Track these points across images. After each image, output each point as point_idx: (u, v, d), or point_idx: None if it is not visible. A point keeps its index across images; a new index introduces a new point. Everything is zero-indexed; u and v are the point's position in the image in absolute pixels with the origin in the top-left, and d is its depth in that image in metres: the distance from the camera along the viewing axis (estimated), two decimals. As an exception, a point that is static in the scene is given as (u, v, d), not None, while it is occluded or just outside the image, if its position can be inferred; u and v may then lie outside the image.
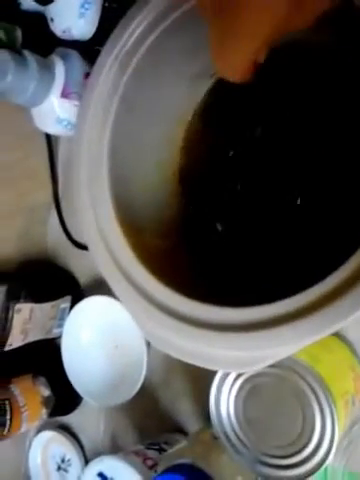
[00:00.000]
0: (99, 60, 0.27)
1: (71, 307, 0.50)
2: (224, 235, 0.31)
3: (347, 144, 0.27)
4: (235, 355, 0.22)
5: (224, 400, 0.33)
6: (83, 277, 0.52)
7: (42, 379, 0.49)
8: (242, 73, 0.22)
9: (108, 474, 0.40)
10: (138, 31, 0.26)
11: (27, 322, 0.46)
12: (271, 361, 0.22)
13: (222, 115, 0.33)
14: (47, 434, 0.53)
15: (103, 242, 0.27)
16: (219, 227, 0.31)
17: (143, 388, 0.45)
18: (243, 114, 0.32)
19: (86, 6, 0.39)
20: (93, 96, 0.27)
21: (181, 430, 0.46)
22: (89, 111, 0.27)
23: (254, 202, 0.30)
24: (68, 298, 0.51)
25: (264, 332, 0.21)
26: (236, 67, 0.22)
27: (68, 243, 0.52)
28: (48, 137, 0.49)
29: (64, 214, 0.52)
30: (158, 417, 0.47)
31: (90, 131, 0.28)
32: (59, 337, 0.51)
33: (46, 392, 0.49)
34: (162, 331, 0.24)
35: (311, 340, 0.21)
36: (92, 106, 0.27)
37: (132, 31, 0.26)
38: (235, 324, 0.22)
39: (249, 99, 0.30)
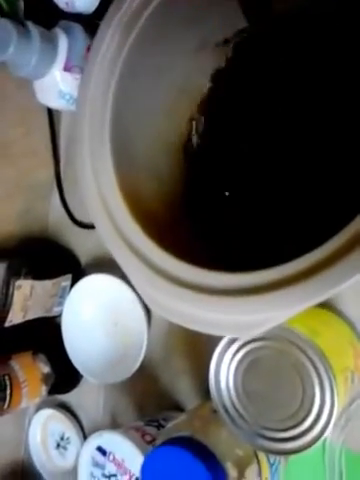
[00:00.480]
0: (103, 24, 0.27)
1: (72, 285, 0.50)
2: (228, 202, 0.31)
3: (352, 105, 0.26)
4: (233, 319, 0.22)
5: (224, 373, 0.33)
6: (84, 256, 0.52)
7: (42, 356, 0.49)
8: None
9: (107, 448, 0.40)
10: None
11: (27, 299, 0.46)
12: (268, 326, 0.22)
13: (235, 88, 0.32)
14: (46, 412, 0.54)
15: (105, 210, 0.27)
16: (224, 193, 0.31)
17: (143, 366, 0.46)
18: (255, 86, 0.31)
19: (89, -22, 0.39)
20: (97, 59, 0.27)
21: (180, 408, 0.46)
22: (93, 74, 0.27)
23: (260, 167, 0.30)
24: (69, 276, 0.51)
25: (261, 296, 0.21)
26: None
27: (69, 222, 0.52)
28: (50, 114, 0.49)
29: (66, 193, 0.52)
30: (157, 395, 0.47)
31: (93, 95, 0.27)
32: (59, 315, 0.51)
33: (46, 369, 0.49)
34: (162, 297, 0.24)
35: (305, 305, 0.21)
36: (96, 69, 0.27)
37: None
38: (233, 288, 0.22)
39: (261, 68, 0.30)
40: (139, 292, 0.26)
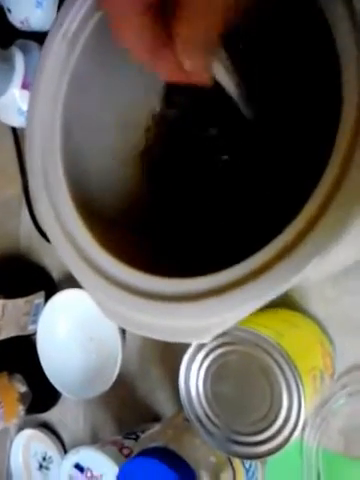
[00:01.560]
0: (47, 40, 0.27)
1: (45, 302, 0.50)
2: (183, 210, 0.31)
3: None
4: (191, 324, 0.22)
5: (193, 381, 0.33)
6: (56, 271, 0.52)
7: (18, 376, 0.49)
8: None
9: (84, 464, 0.39)
10: (84, 8, 0.26)
11: (0, 318, 0.46)
12: (221, 328, 0.22)
13: (188, 96, 0.33)
14: (27, 432, 0.53)
15: (62, 230, 0.27)
16: (179, 202, 0.31)
17: (120, 378, 0.45)
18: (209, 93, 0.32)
19: (42, -5, 0.39)
20: (42, 76, 0.27)
21: (159, 418, 0.46)
22: (39, 92, 0.27)
23: (210, 175, 0.31)
24: (42, 293, 0.50)
25: (214, 298, 0.21)
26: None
27: (40, 238, 0.52)
28: (14, 131, 0.49)
29: (35, 208, 0.52)
30: (136, 407, 0.47)
31: (42, 115, 0.27)
32: (34, 333, 0.50)
33: (23, 389, 0.48)
34: (118, 307, 0.24)
35: (256, 303, 0.21)
36: (42, 87, 0.27)
37: (78, 8, 0.26)
38: (187, 294, 0.22)
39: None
40: (96, 304, 0.26)
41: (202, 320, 0.22)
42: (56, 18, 0.27)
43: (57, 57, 0.27)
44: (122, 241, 0.28)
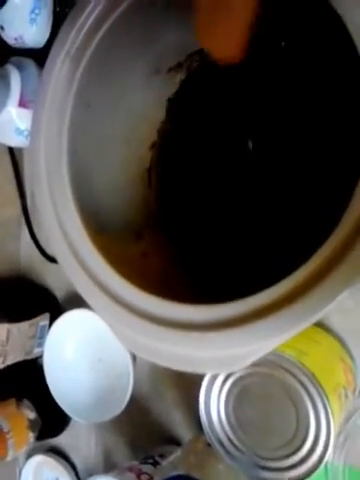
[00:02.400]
0: (50, 58, 0.26)
1: (50, 324, 0.48)
2: (199, 228, 0.30)
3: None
4: (215, 355, 0.21)
5: (214, 405, 0.31)
6: (60, 292, 0.51)
7: (26, 402, 0.47)
8: (236, 46, 0.21)
9: (101, 495, 0.38)
10: (87, 25, 0.25)
11: (4, 344, 0.44)
12: (253, 359, 0.20)
13: (195, 112, 0.32)
14: (37, 458, 0.51)
15: (68, 246, 0.26)
16: (192, 219, 0.30)
17: (132, 400, 0.44)
18: (217, 110, 0.31)
19: (36, 11, 0.38)
20: (47, 95, 0.26)
21: (175, 440, 0.45)
22: (44, 111, 0.26)
23: (229, 199, 0.29)
24: (46, 315, 0.49)
25: (242, 328, 0.20)
26: (230, 40, 0.21)
27: (42, 258, 0.50)
28: (11, 150, 0.48)
29: (35, 228, 0.51)
30: (150, 429, 0.46)
31: (47, 133, 0.26)
32: (41, 356, 0.49)
33: (32, 415, 0.47)
34: (138, 336, 0.23)
35: (291, 333, 0.20)
36: (47, 106, 0.26)
37: (81, 25, 0.25)
38: (212, 322, 0.21)
39: (216, 90, 0.29)
40: (113, 332, 0.25)
41: (230, 350, 0.21)
42: (58, 36, 0.25)
43: (61, 75, 0.25)
44: (136, 264, 0.27)
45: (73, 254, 0.26)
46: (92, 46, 0.26)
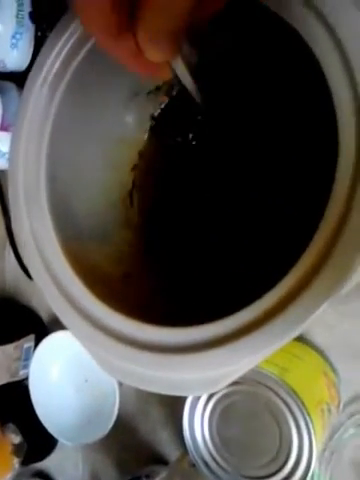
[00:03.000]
0: (27, 84, 0.26)
1: (36, 345, 0.48)
2: (181, 251, 0.30)
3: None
4: (197, 377, 0.21)
5: (198, 425, 0.31)
6: (45, 313, 0.51)
7: (11, 426, 0.46)
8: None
9: None
10: (64, 52, 0.25)
11: (-11, 367, 0.44)
12: (236, 376, 0.21)
13: (174, 134, 0.32)
14: (23, 483, 0.50)
15: (47, 271, 0.26)
16: (176, 242, 0.30)
17: (119, 420, 0.44)
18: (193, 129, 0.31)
19: (17, 36, 0.39)
20: (24, 122, 0.26)
21: (163, 460, 0.44)
22: (22, 138, 0.26)
23: (210, 213, 0.30)
24: (31, 337, 0.48)
25: (222, 349, 0.20)
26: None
27: (27, 279, 0.50)
28: (-6, 172, 0.48)
29: (20, 249, 0.51)
30: (138, 449, 0.45)
31: (25, 159, 0.26)
32: (26, 378, 0.49)
33: (16, 439, 0.46)
34: (117, 361, 0.23)
35: (274, 348, 0.20)
36: (25, 132, 0.26)
37: (58, 52, 0.25)
38: (194, 344, 0.21)
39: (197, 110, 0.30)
40: (93, 358, 0.25)
41: (211, 371, 0.21)
42: (36, 62, 0.26)
43: (39, 102, 0.26)
44: (118, 286, 0.27)
45: (52, 279, 0.26)
46: (69, 73, 0.26)
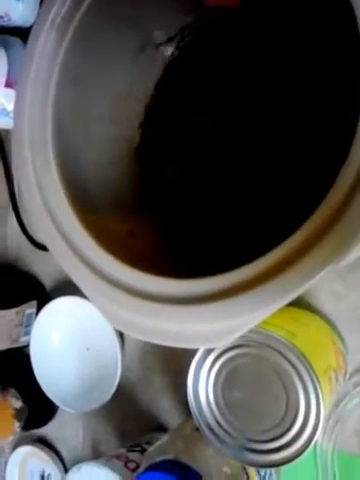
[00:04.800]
0: (34, 28, 0.25)
1: (38, 312, 0.48)
2: (186, 205, 0.29)
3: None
4: (201, 329, 0.21)
5: (202, 388, 0.31)
6: (48, 279, 0.50)
7: (12, 391, 0.46)
8: None
9: (88, 482, 0.37)
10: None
11: (-10, 331, 0.44)
12: (240, 332, 0.20)
13: (183, 90, 0.31)
14: (23, 449, 0.50)
15: (56, 227, 0.25)
16: (181, 197, 0.29)
17: (120, 388, 0.43)
18: (202, 86, 0.30)
19: (23, -12, 0.37)
20: (31, 69, 0.25)
21: (164, 428, 0.44)
22: (28, 86, 0.25)
23: (215, 168, 0.29)
24: (33, 303, 0.48)
25: (228, 301, 0.20)
26: None
27: (29, 245, 0.49)
28: (-2, 134, 0.47)
29: (23, 215, 0.50)
30: (139, 417, 0.45)
31: (31, 109, 0.25)
32: (27, 345, 0.48)
33: (17, 404, 0.46)
34: (121, 311, 0.22)
35: (276, 306, 0.19)
36: (31, 80, 0.25)
37: (65, -4, 0.24)
38: (197, 296, 0.20)
39: (207, 66, 0.29)
40: (97, 308, 0.24)
41: (214, 324, 0.20)
42: (43, 4, 0.25)
43: (46, 45, 0.25)
44: (123, 241, 0.27)
45: (58, 230, 0.25)
46: (78, 16, 0.25)
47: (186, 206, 0.30)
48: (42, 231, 0.25)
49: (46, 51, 0.25)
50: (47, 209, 0.26)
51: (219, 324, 0.20)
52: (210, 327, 0.20)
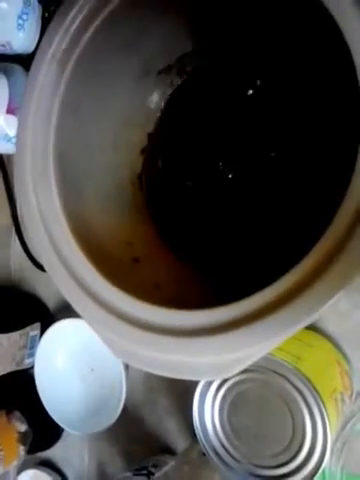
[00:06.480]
0: (36, 60, 0.25)
1: (41, 334, 0.48)
2: (190, 237, 0.29)
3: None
4: (207, 361, 0.21)
5: (208, 413, 0.31)
6: (51, 301, 0.50)
7: (17, 414, 0.46)
8: None
9: (95, 508, 0.37)
10: (73, 27, 0.24)
11: (-6, 355, 0.43)
12: (248, 363, 0.20)
13: (184, 116, 0.31)
14: (29, 473, 0.50)
15: (58, 257, 0.25)
16: (186, 224, 0.29)
17: (125, 410, 0.43)
18: (204, 111, 0.30)
19: (24, 17, 0.38)
20: (33, 99, 0.25)
21: (170, 450, 0.44)
22: (29, 116, 0.25)
23: (221, 199, 0.29)
24: (37, 325, 0.48)
25: (234, 332, 0.20)
26: None
27: (33, 267, 0.49)
28: (0, 158, 0.47)
29: (26, 237, 0.50)
30: (144, 439, 0.45)
31: (33, 138, 0.26)
32: (32, 367, 0.48)
33: (22, 427, 0.45)
34: (126, 343, 0.22)
35: (286, 336, 0.19)
36: (33, 110, 0.25)
37: (67, 27, 0.24)
38: (203, 327, 0.20)
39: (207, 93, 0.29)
40: (101, 339, 0.24)
41: (222, 356, 0.20)
42: (44, 38, 0.25)
43: (47, 78, 0.25)
44: (126, 269, 0.27)
45: (61, 261, 0.25)
46: (79, 48, 0.25)
47: (192, 230, 0.30)
48: (44, 261, 0.26)
49: (47, 83, 0.25)
50: (50, 238, 0.26)
51: (227, 356, 0.20)
52: (218, 359, 0.20)
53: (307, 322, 0.19)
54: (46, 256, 0.25)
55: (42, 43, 0.25)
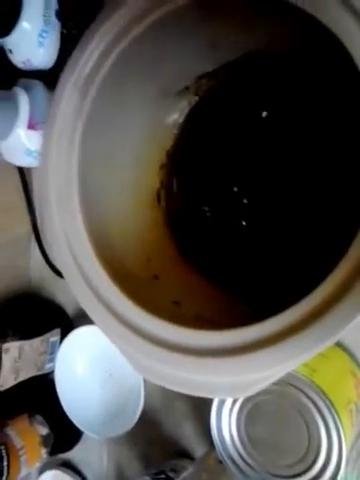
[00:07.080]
0: (59, 86, 0.26)
1: (61, 339, 0.49)
2: (209, 255, 0.30)
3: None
4: (226, 381, 0.21)
5: (225, 422, 0.32)
6: (71, 307, 0.51)
7: (39, 417, 0.47)
8: None
9: (115, 511, 0.38)
10: (96, 53, 0.25)
11: (17, 361, 0.45)
12: (267, 383, 0.21)
13: (204, 133, 0.32)
14: (49, 474, 0.52)
15: (79, 270, 0.26)
16: (207, 242, 0.30)
17: (144, 414, 0.44)
18: (222, 129, 0.31)
19: (44, 35, 0.39)
20: (55, 124, 0.26)
21: (187, 454, 0.45)
22: (53, 140, 0.26)
23: (240, 218, 0.30)
24: (57, 331, 0.49)
25: (255, 354, 0.20)
26: None
27: (52, 274, 0.51)
28: (21, 170, 0.48)
29: (45, 245, 0.51)
30: (162, 443, 0.46)
31: (56, 161, 0.27)
32: (52, 372, 0.49)
33: (44, 431, 0.47)
34: (147, 361, 0.23)
35: (306, 357, 0.20)
36: (55, 134, 0.26)
37: (90, 54, 0.25)
38: (223, 348, 0.21)
39: (225, 112, 0.30)
40: (122, 355, 0.25)
41: (241, 377, 0.21)
42: (67, 64, 0.26)
43: (70, 104, 0.26)
44: (147, 286, 0.28)
45: (84, 278, 0.26)
46: (100, 76, 0.26)
47: (211, 247, 0.30)
48: (69, 281, 0.27)
49: (70, 108, 0.26)
50: (75, 261, 0.27)
51: (246, 376, 0.21)
52: (237, 379, 0.21)
53: (329, 343, 0.20)
54: (71, 277, 0.26)
55: (65, 69, 0.26)
